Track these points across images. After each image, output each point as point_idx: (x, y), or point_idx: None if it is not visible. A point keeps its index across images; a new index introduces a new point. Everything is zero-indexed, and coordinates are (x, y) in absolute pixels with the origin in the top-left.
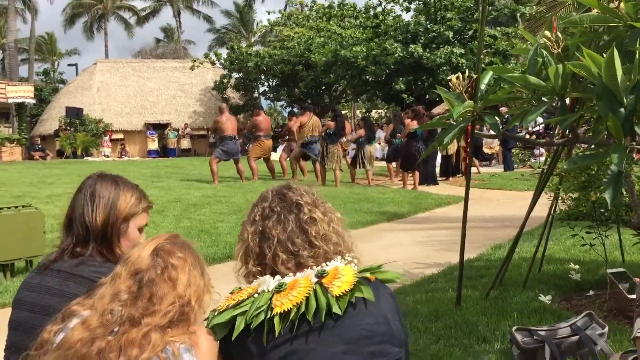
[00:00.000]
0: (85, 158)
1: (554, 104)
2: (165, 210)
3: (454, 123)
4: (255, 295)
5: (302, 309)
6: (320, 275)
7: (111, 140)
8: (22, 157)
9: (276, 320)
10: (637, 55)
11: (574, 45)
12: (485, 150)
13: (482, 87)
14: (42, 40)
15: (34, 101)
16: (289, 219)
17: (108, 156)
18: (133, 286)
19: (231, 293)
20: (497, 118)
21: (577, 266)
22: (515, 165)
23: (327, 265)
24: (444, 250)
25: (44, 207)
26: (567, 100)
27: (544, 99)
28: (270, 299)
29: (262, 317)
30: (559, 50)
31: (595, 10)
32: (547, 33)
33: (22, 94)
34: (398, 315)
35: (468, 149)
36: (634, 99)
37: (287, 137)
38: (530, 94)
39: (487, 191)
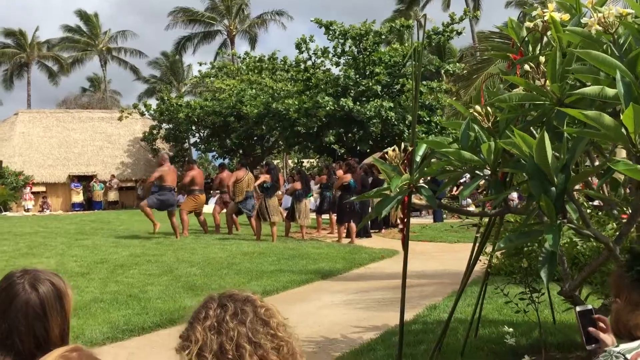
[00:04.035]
0: (4, 213)
1: (487, 177)
2: (90, 272)
3: (391, 194)
4: None
5: None
6: None
7: (32, 192)
8: None
9: None
10: (565, 136)
11: (504, 120)
12: (415, 200)
13: (417, 159)
14: None
15: None
16: (246, 311)
17: (29, 210)
18: None
19: None
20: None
21: (511, 329)
22: (444, 216)
23: None
24: (381, 311)
25: None
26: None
27: (477, 172)
28: None
29: None
30: (490, 125)
31: (522, 88)
32: (478, 108)
33: None
34: None
35: (405, 220)
36: (564, 178)
37: (219, 189)
38: (463, 166)
39: (418, 243)
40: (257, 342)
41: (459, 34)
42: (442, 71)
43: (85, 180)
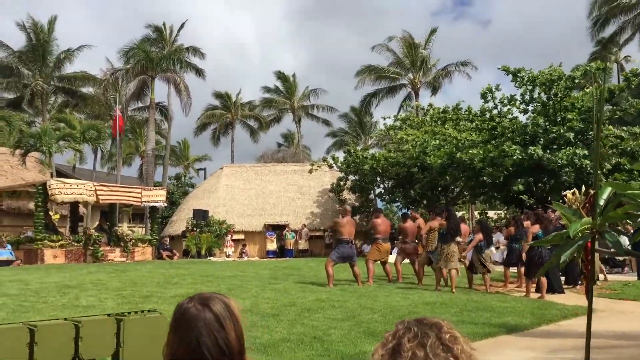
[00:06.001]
0: (209, 258)
1: None
2: (280, 314)
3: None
4: None
5: None
6: None
7: (232, 240)
8: (152, 257)
9: None
10: None
11: None
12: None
13: (601, 202)
14: (176, 147)
15: (165, 204)
16: (428, 335)
17: (229, 255)
18: None
19: None
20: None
21: None
22: None
23: None
24: None
25: (168, 307)
26: None
27: None
28: None
29: None
30: None
31: None
32: None
33: (155, 198)
34: None
35: (589, 267)
36: None
37: (401, 239)
38: None
39: (619, 302)
40: None
41: None
42: None
43: (278, 229)
